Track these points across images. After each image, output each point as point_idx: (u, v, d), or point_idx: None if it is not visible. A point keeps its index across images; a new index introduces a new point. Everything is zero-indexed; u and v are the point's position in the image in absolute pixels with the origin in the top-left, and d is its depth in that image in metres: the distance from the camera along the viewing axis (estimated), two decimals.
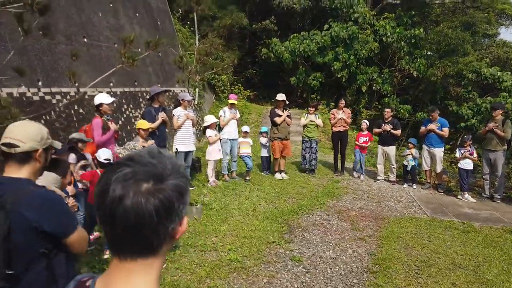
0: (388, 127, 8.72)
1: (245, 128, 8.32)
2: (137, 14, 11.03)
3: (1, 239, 1.71)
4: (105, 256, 4.39)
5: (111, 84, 8.87)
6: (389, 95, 16.90)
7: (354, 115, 17.65)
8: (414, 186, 8.68)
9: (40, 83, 6.85)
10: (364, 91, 16.34)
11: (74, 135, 4.82)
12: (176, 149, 6.91)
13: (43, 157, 1.93)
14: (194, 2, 7.71)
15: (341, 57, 15.59)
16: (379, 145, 9.10)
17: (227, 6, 16.55)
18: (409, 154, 8.75)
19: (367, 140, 9.17)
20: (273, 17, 17.96)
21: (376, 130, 9.13)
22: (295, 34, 16.21)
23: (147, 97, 9.65)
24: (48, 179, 2.51)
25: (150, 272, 0.89)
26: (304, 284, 4.17)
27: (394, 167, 9.00)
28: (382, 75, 16.78)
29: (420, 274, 4.42)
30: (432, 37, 16.00)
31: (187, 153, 7.03)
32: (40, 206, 1.76)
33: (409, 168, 8.80)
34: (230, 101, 7.88)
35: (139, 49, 10.55)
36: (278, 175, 8.61)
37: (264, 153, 8.94)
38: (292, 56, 16.07)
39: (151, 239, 0.85)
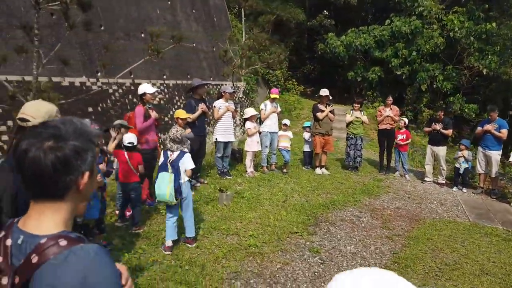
0: (438, 126, 8.32)
1: (285, 121, 8.44)
2: (194, 11, 11.60)
3: (11, 198, 2.09)
4: (135, 231, 4.84)
5: (165, 77, 9.49)
6: (449, 93, 15.84)
7: (414, 114, 16.88)
8: (464, 190, 8.18)
9: (99, 74, 7.59)
10: (424, 89, 15.51)
11: (117, 121, 5.33)
12: (216, 139, 7.25)
13: None
14: None
15: (400, 53, 14.95)
16: (429, 145, 8.70)
17: (283, 1, 16.63)
18: (461, 157, 8.27)
19: (404, 138, 8.82)
20: (326, 11, 17.70)
21: (426, 129, 8.78)
22: (352, 29, 15.85)
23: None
24: None
25: (58, 214, 1.12)
26: (315, 273, 4.25)
27: (443, 169, 8.55)
28: (445, 72, 15.77)
29: (440, 276, 4.27)
30: (505, 32, 14.70)
31: (226, 143, 7.34)
32: None
33: (461, 171, 8.32)
34: (271, 95, 8.06)
35: (194, 44, 11.14)
36: (318, 170, 8.62)
37: (306, 147, 9.00)
38: (348, 50, 15.74)
39: (52, 186, 1.08)
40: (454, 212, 6.75)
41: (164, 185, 4.25)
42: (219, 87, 11.80)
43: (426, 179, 8.75)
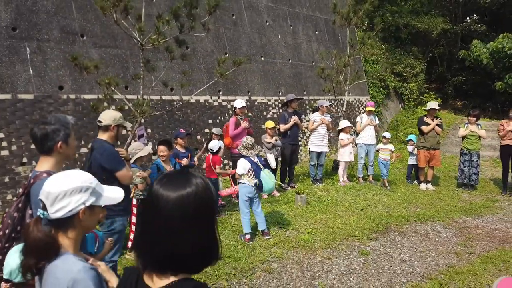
0: None
1: (386, 134, 8.44)
2: (316, 32, 12.51)
3: (87, 168, 3.45)
4: (232, 221, 5.98)
5: (280, 93, 10.65)
6: None
7: None
8: None
9: (220, 93, 9.25)
10: None
11: (214, 130, 6.68)
12: (309, 148, 7.95)
13: (115, 129, 3.58)
14: (344, 18, 8.50)
15: None
16: None
17: (423, 12, 15.86)
18: None
19: None
20: (475, 15, 15.91)
21: None
22: (504, 34, 13.98)
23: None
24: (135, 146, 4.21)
25: (47, 162, 2.26)
26: (351, 269, 4.57)
27: None
28: None
29: None
30: None
31: (319, 153, 7.95)
32: (102, 153, 3.41)
33: None
34: (367, 108, 8.29)
35: (313, 63, 12.02)
36: (422, 186, 8.31)
37: (411, 161, 8.76)
38: (495, 58, 13.94)
39: (42, 147, 2.24)
40: None
41: (270, 180, 5.19)
42: (332, 101, 12.31)
43: None
